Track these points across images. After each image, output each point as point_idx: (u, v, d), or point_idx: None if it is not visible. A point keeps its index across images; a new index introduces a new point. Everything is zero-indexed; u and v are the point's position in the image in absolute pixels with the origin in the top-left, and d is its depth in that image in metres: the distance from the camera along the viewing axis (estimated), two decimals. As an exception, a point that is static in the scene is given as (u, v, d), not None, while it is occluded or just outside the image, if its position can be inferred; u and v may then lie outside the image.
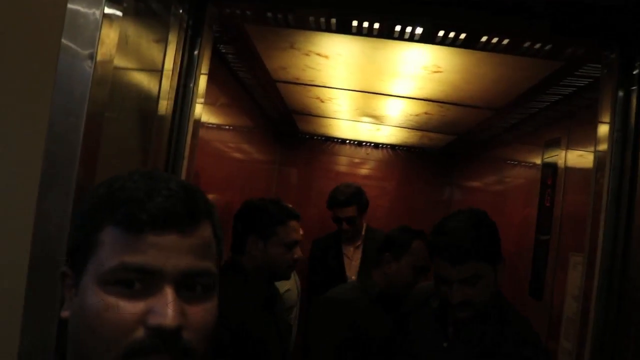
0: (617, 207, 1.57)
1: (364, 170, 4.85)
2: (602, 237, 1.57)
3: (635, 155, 1.54)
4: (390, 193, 4.74)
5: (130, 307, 0.67)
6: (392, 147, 4.72)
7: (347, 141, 4.76)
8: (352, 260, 3.39)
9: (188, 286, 0.70)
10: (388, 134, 4.07)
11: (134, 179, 0.72)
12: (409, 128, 3.63)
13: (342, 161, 4.87)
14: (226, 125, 3.01)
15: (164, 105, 1.52)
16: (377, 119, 3.46)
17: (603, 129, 1.66)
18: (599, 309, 1.54)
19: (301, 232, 2.11)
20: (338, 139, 4.73)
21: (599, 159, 1.66)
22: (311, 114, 3.62)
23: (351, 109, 3.27)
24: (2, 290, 1.07)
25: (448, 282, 1.54)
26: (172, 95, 1.57)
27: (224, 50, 2.33)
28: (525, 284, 2.56)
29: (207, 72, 1.77)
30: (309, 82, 2.70)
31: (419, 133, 3.80)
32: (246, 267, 1.96)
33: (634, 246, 1.48)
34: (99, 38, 1.08)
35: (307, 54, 2.21)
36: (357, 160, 4.85)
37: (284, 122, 4.15)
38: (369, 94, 2.79)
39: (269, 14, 1.78)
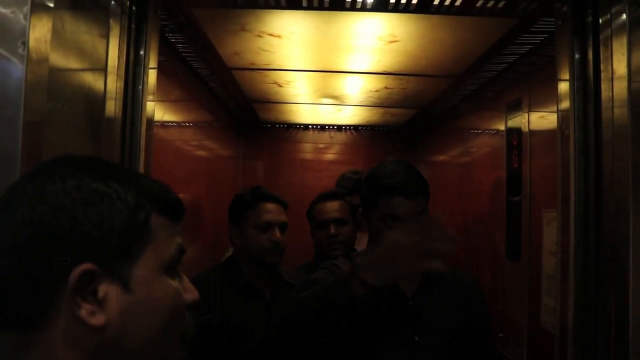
0: (585, 158, 1.57)
1: (330, 155, 4.80)
2: (574, 189, 1.57)
3: (597, 103, 1.53)
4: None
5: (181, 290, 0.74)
6: (356, 127, 4.69)
7: (310, 126, 4.70)
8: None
9: None
10: (350, 115, 4.03)
11: (133, 172, 0.79)
12: (370, 106, 3.60)
13: (307, 148, 4.81)
14: (184, 121, 2.92)
15: (112, 105, 1.42)
16: (338, 98, 3.41)
17: (564, 81, 1.66)
18: (578, 260, 1.54)
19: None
20: (300, 124, 4.67)
21: (562, 112, 1.66)
22: (270, 101, 3.55)
23: (310, 91, 3.21)
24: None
25: (401, 219, 1.60)
26: (120, 93, 1.48)
27: (173, 40, 2.24)
28: (502, 247, 2.56)
29: (156, 64, 1.67)
30: (264, 67, 2.63)
31: (381, 110, 3.76)
32: (233, 257, 2.04)
33: (606, 194, 1.48)
34: (29, 35, 0.99)
35: (259, 35, 2.15)
36: (322, 145, 4.80)
37: (244, 112, 4.07)
38: (327, 73, 2.74)
39: (215, -6, 1.72)
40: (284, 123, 4.61)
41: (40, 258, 0.64)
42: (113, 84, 1.40)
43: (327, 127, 4.70)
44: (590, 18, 1.56)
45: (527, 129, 2.33)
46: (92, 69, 1.29)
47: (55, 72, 1.09)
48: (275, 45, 2.26)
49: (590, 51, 1.56)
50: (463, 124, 3.44)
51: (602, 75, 1.48)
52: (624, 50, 1.32)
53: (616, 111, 1.42)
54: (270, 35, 2.13)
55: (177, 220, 0.74)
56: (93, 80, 1.30)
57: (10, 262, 0.65)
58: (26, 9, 0.99)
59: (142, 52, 1.60)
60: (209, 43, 2.30)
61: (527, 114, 2.34)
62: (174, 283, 0.72)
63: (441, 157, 4.13)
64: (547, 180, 2.16)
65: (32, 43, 0.99)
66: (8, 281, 0.65)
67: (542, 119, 2.23)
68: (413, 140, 4.67)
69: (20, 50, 0.98)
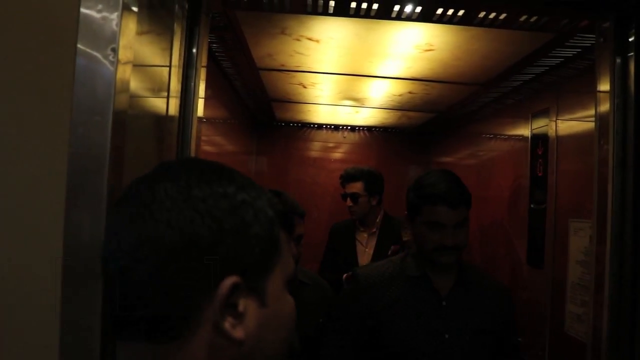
0: (623, 172, 1.62)
1: (341, 154, 4.84)
2: (611, 201, 1.62)
3: (638, 119, 1.58)
4: (369, 175, 4.74)
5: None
6: (369, 128, 4.73)
7: (324, 126, 4.74)
8: (366, 248, 3.28)
9: None
10: (367, 116, 4.07)
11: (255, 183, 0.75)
12: (389, 109, 3.63)
13: (319, 147, 4.85)
14: (205, 117, 2.94)
15: (173, 103, 1.46)
16: (359, 101, 3.45)
17: (603, 97, 1.70)
18: (614, 271, 1.59)
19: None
20: (314, 124, 4.71)
21: (601, 127, 1.70)
22: (290, 101, 3.58)
23: (333, 93, 3.24)
24: (37, 310, 0.98)
25: (444, 227, 1.72)
26: (178, 92, 1.52)
27: (208, 40, 2.26)
28: (522, 253, 2.61)
29: (206, 64, 1.72)
30: (294, 69, 2.67)
31: (398, 113, 3.80)
32: None
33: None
34: (119, 41, 1.03)
35: (297, 39, 2.18)
36: (334, 145, 4.84)
37: (261, 110, 4.10)
38: (355, 77, 2.78)
39: (265, -1, 1.75)
40: (298, 122, 4.64)
41: (186, 266, 0.61)
42: (175, 84, 1.44)
43: (340, 127, 4.73)
44: (633, 38, 1.60)
45: (554, 139, 2.37)
46: (160, 67, 1.33)
47: (135, 73, 1.13)
48: (311, 49, 2.30)
49: (632, 68, 1.60)
50: (483, 129, 3.48)
51: (645, 92, 1.53)
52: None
53: (659, 128, 1.46)
54: (309, 39, 2.16)
55: (292, 232, 0.75)
56: (159, 80, 1.34)
57: (152, 267, 0.61)
58: (116, 15, 1.02)
59: (195, 53, 1.63)
60: (244, 44, 2.33)
61: (554, 123, 2.38)
62: (291, 297, 0.73)
63: (455, 161, 4.17)
64: (574, 190, 2.21)
65: (120, 49, 1.02)
66: (149, 287, 0.62)
67: (571, 128, 2.27)
68: (426, 143, 4.72)
69: (111, 57, 1.01)
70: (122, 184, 1.04)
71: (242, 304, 0.64)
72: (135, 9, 1.08)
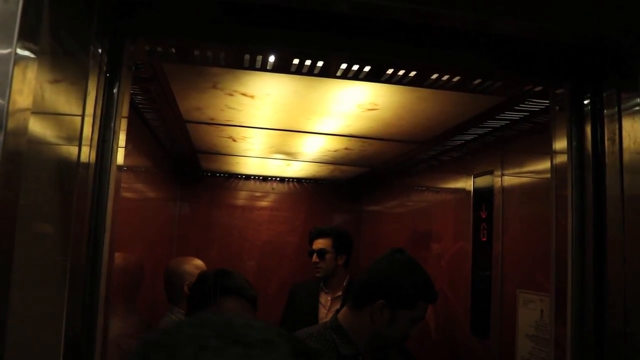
0: (581, 248, 1.52)
1: (270, 204, 4.64)
2: (571, 282, 1.52)
3: (598, 193, 1.49)
4: (298, 228, 4.55)
5: None
6: (299, 180, 4.56)
7: (252, 177, 4.53)
8: (329, 311, 3.06)
9: None
10: (298, 169, 3.90)
11: None
12: (323, 163, 3.48)
13: (247, 196, 4.62)
14: (125, 165, 2.66)
15: (86, 151, 1.26)
16: (291, 155, 3.27)
17: (559, 163, 1.61)
18: (576, 357, 1.47)
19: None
20: (242, 175, 4.48)
21: (558, 201, 1.60)
22: (219, 153, 3.35)
23: (265, 147, 3.05)
24: None
25: None
26: (95, 140, 1.31)
27: (131, 90, 2.02)
28: (465, 321, 2.47)
29: (127, 115, 1.51)
30: (225, 122, 2.46)
31: (331, 167, 3.66)
32: None
33: (612, 296, 1.42)
34: (11, 89, 0.82)
35: (230, 94, 1.98)
36: (262, 195, 4.63)
37: (185, 160, 3.83)
38: (289, 132, 2.60)
39: (197, 52, 1.55)
40: (225, 172, 4.40)
41: None
42: (88, 132, 1.26)
43: (269, 178, 4.54)
44: (588, 103, 1.54)
45: (500, 203, 2.27)
46: (70, 115, 1.13)
47: (37, 120, 0.91)
48: (245, 104, 2.10)
49: (589, 134, 1.53)
50: (418, 185, 3.38)
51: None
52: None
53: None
54: (243, 94, 1.97)
55: None
56: (70, 128, 1.15)
57: None
58: (10, 59, 0.81)
59: (114, 102, 1.42)
60: (171, 97, 2.10)
61: (500, 184, 2.29)
62: None
63: (386, 213, 4.06)
64: (522, 258, 2.11)
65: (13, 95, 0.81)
66: None
67: (519, 193, 2.18)
68: (357, 193, 4.62)
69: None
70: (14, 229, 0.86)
71: None
72: (33, 55, 0.87)
